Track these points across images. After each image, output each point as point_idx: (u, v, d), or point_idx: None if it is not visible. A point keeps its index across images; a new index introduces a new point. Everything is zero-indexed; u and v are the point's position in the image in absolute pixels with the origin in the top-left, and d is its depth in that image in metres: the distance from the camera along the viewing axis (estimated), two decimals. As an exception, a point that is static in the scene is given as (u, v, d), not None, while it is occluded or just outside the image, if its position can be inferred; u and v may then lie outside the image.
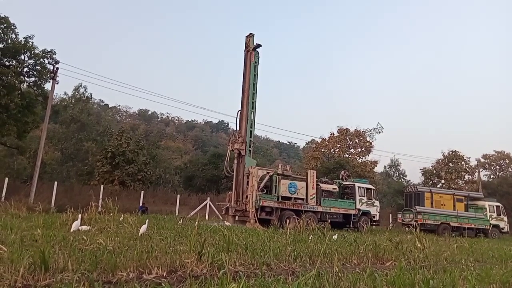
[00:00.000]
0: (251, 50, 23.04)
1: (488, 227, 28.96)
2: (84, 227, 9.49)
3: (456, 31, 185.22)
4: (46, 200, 22.64)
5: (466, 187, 47.54)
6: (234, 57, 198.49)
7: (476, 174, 50.80)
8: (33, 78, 26.99)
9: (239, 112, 22.77)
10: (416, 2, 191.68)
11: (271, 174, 21.49)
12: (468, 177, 51.34)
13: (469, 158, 51.92)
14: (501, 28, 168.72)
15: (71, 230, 9.06)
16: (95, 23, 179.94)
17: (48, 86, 27.41)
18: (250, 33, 23.41)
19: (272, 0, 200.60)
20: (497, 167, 60.39)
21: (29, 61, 26.36)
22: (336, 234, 12.07)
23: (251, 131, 22.45)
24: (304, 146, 68.74)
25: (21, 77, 26.53)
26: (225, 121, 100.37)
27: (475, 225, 28.62)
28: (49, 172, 36.86)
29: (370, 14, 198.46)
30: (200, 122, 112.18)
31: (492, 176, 59.41)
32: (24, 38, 25.80)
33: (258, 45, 23.05)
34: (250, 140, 22.33)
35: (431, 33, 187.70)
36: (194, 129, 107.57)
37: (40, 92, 27.50)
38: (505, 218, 30.16)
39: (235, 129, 23.11)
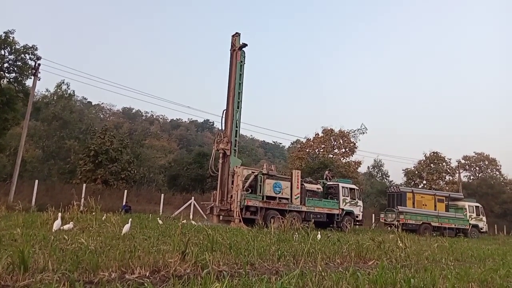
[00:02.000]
0: (237, 50, 23.00)
1: (468, 227, 29.60)
2: (67, 226, 9.34)
3: (437, 36, 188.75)
4: (26, 199, 22.19)
5: (447, 188, 48.49)
6: (220, 56, 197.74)
7: (457, 175, 51.88)
8: (13, 74, 26.48)
9: (225, 111, 22.73)
10: (404, 2, 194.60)
11: (256, 173, 21.51)
12: (449, 178, 52.39)
13: (450, 159, 53.08)
14: (486, 31, 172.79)
15: (53, 230, 8.91)
16: (80, 20, 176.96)
17: (29, 82, 26.92)
18: (236, 32, 23.37)
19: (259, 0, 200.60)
20: (477, 168, 61.86)
21: (10, 57, 25.86)
22: (319, 233, 12.17)
23: (236, 130, 22.43)
24: (289, 146, 69.12)
25: (1, 72, 25.93)
26: (210, 120, 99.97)
27: (455, 225, 29.21)
28: (30, 170, 36.08)
29: (357, 14, 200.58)
30: (185, 121, 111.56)
31: (472, 177, 60.86)
32: (4, 32, 25.32)
33: (244, 45, 23.04)
34: (236, 140, 22.32)
35: (415, 36, 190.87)
36: (179, 128, 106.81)
37: (21, 89, 26.92)
38: (484, 218, 30.91)
39: (220, 128, 23.06)
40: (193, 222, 16.92)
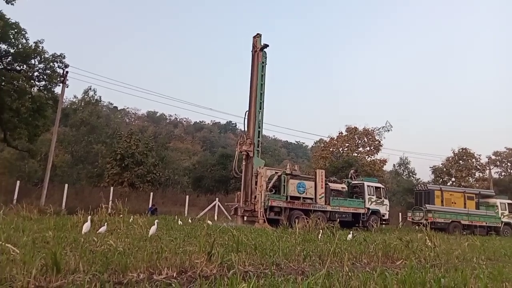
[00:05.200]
0: (259, 51, 23.03)
1: (500, 225, 28.61)
2: (102, 228, 9.63)
3: (466, 25, 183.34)
4: (57, 203, 22.92)
5: (477, 185, 47.00)
6: (242, 57, 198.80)
7: (487, 171, 50.20)
8: (43, 82, 27.32)
9: (247, 112, 22.79)
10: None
11: (280, 174, 21.46)
12: (479, 175, 50.78)
13: (479, 155, 51.38)
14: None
15: (83, 232, 9.16)
16: (103, 25, 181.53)
17: (58, 89, 27.82)
18: (258, 34, 23.41)
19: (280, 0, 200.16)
20: (508, 164, 59.57)
21: (39, 66, 26.65)
22: (351, 233, 12.10)
23: (259, 131, 22.46)
24: (312, 146, 68.71)
25: (32, 81, 26.84)
26: (233, 122, 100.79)
27: (486, 223, 28.29)
28: (60, 175, 37.24)
29: (378, 10, 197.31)
30: (208, 123, 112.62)
31: (503, 173, 58.68)
32: (34, 42, 26.09)
33: (266, 45, 23.03)
34: (258, 140, 22.35)
35: (441, 28, 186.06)
36: (202, 130, 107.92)
37: (50, 96, 27.81)
38: (517, 216, 29.78)
39: (243, 129, 23.17)
40: (209, 222, 17.10)
